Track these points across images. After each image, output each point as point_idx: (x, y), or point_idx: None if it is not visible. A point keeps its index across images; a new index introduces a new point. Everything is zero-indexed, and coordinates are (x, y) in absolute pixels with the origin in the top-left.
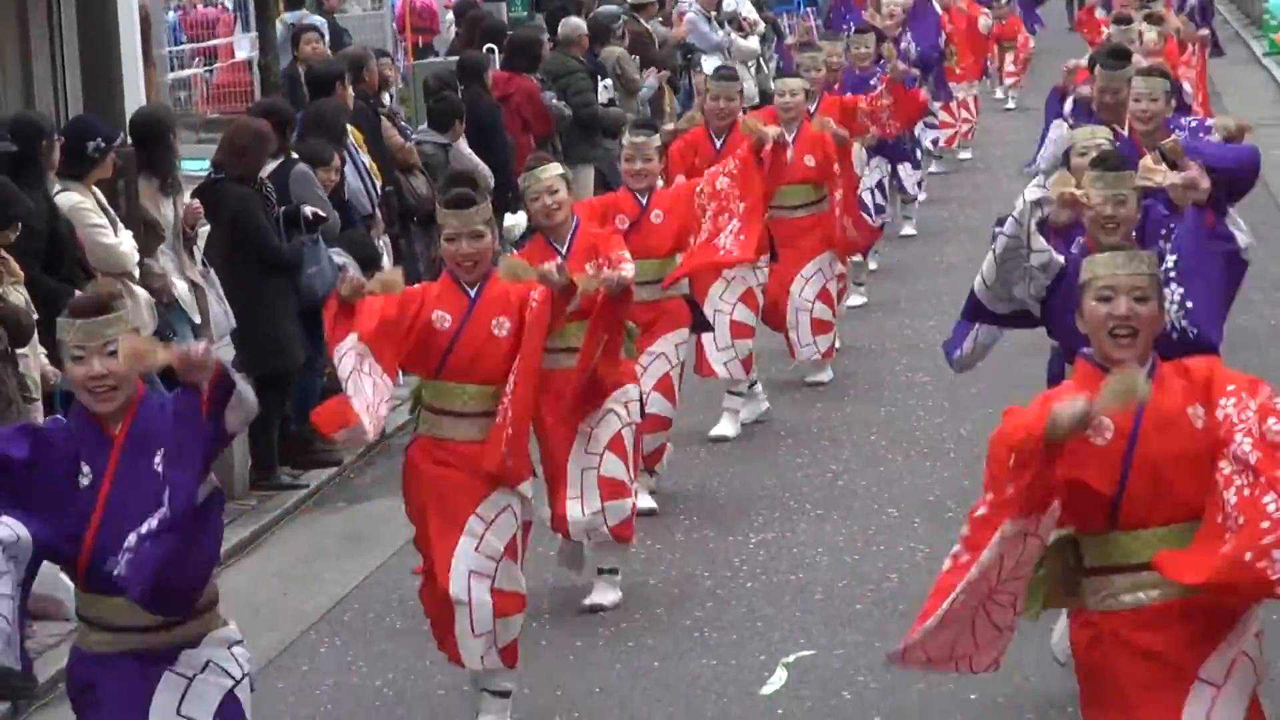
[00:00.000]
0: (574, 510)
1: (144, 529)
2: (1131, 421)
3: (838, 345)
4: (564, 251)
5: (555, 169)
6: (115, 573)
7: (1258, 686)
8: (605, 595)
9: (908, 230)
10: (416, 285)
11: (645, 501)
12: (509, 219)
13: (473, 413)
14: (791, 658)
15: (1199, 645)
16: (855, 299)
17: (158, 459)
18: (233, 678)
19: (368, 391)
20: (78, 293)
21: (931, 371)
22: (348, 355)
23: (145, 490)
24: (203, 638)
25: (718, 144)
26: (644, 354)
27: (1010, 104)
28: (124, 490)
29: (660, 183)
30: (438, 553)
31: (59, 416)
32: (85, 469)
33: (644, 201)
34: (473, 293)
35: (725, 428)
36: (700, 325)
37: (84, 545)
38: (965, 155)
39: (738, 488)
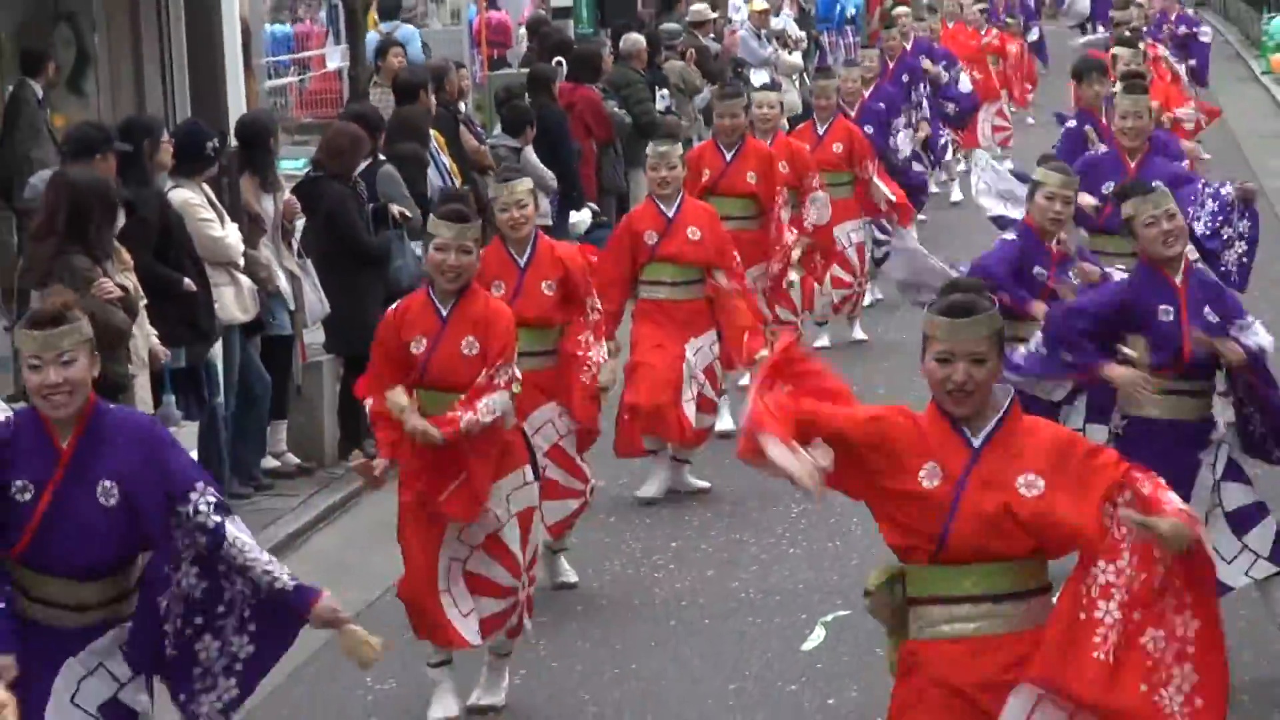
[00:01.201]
0: None
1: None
2: (961, 471)
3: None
4: (523, 262)
5: (526, 184)
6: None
7: None
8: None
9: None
10: (392, 308)
11: (698, 482)
12: (573, 216)
13: None
14: (830, 617)
15: (1003, 687)
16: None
17: (102, 487)
18: (119, 680)
19: None
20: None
21: None
22: None
23: (84, 507)
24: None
25: (727, 156)
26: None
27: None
28: (63, 504)
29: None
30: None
31: (8, 421)
32: (24, 485)
33: (669, 213)
34: (445, 312)
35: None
36: None
37: (16, 548)
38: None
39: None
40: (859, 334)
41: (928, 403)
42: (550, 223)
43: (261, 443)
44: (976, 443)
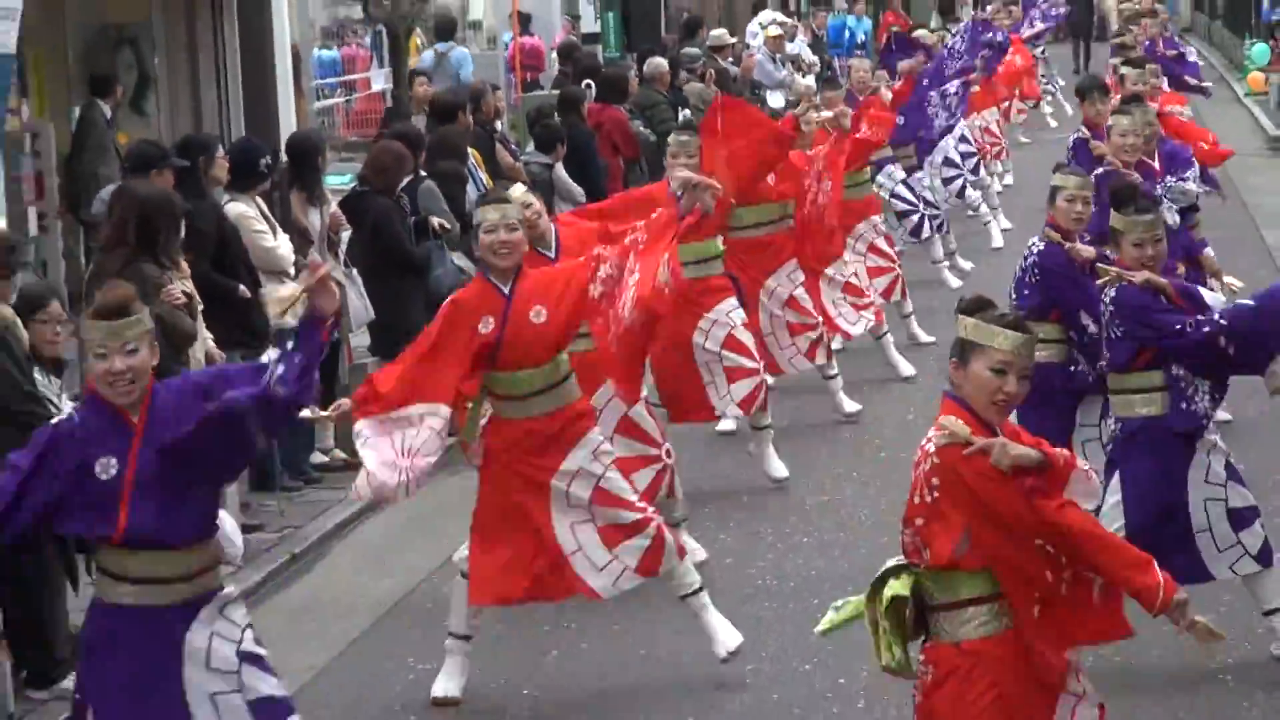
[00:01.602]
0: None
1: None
2: None
3: (835, 345)
4: (553, 255)
5: (520, 188)
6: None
7: None
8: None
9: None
10: (448, 302)
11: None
12: None
13: (533, 392)
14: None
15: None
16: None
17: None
18: (233, 640)
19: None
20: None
21: None
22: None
23: (164, 471)
24: (213, 593)
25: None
26: (702, 319)
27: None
28: (148, 469)
29: None
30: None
31: (71, 415)
32: (108, 461)
33: (507, 292)
34: (506, 289)
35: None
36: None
37: (118, 525)
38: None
39: (794, 460)
40: (921, 336)
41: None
42: None
43: (310, 440)
44: None
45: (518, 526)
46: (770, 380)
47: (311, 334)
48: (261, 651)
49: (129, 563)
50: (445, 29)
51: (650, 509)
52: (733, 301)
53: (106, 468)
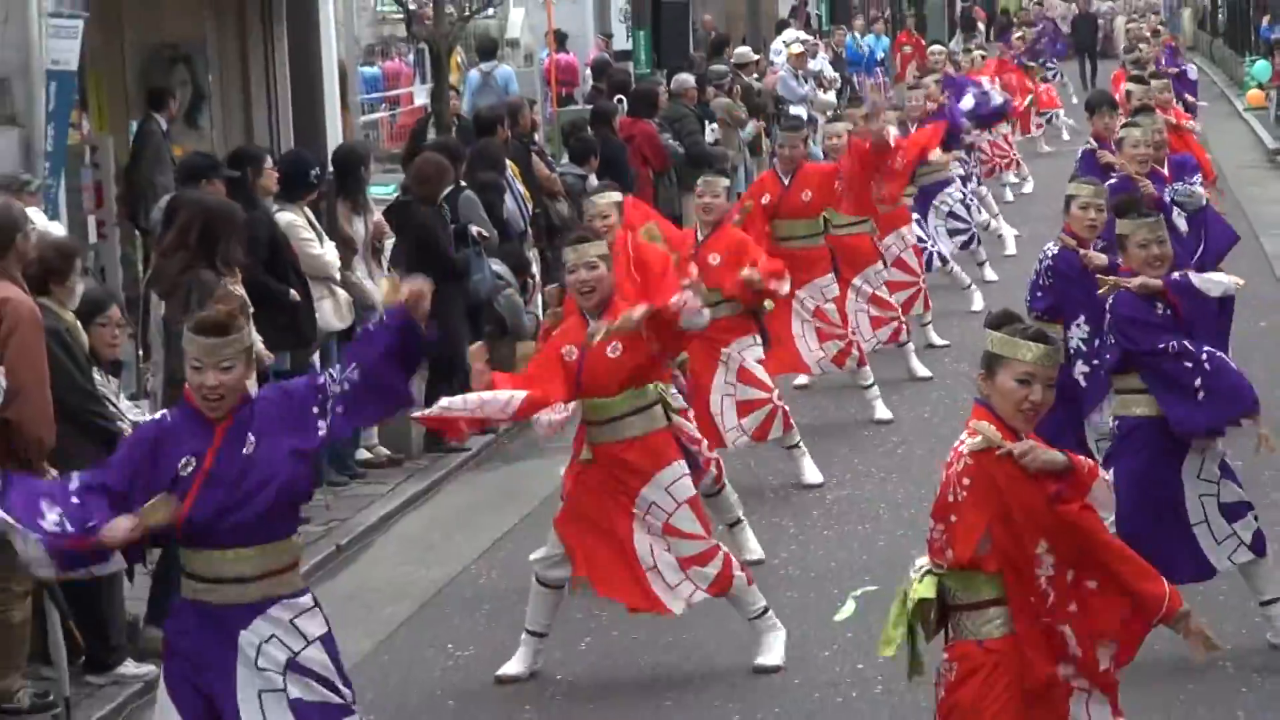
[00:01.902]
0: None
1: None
2: None
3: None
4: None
5: (609, 196)
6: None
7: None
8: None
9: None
10: (550, 322)
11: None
12: None
13: (610, 419)
14: (859, 592)
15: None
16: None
17: (248, 448)
18: (292, 650)
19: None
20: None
21: (972, 363)
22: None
23: (237, 470)
24: (284, 598)
25: (785, 182)
26: (720, 355)
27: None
28: (220, 469)
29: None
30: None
31: (163, 414)
32: (189, 459)
33: (700, 236)
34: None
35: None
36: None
37: (180, 516)
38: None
39: (816, 457)
40: (935, 339)
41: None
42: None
43: (356, 436)
44: None
45: (603, 529)
46: (805, 380)
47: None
48: (321, 670)
49: (196, 561)
50: (488, 49)
51: (715, 541)
52: (750, 339)
53: (185, 465)
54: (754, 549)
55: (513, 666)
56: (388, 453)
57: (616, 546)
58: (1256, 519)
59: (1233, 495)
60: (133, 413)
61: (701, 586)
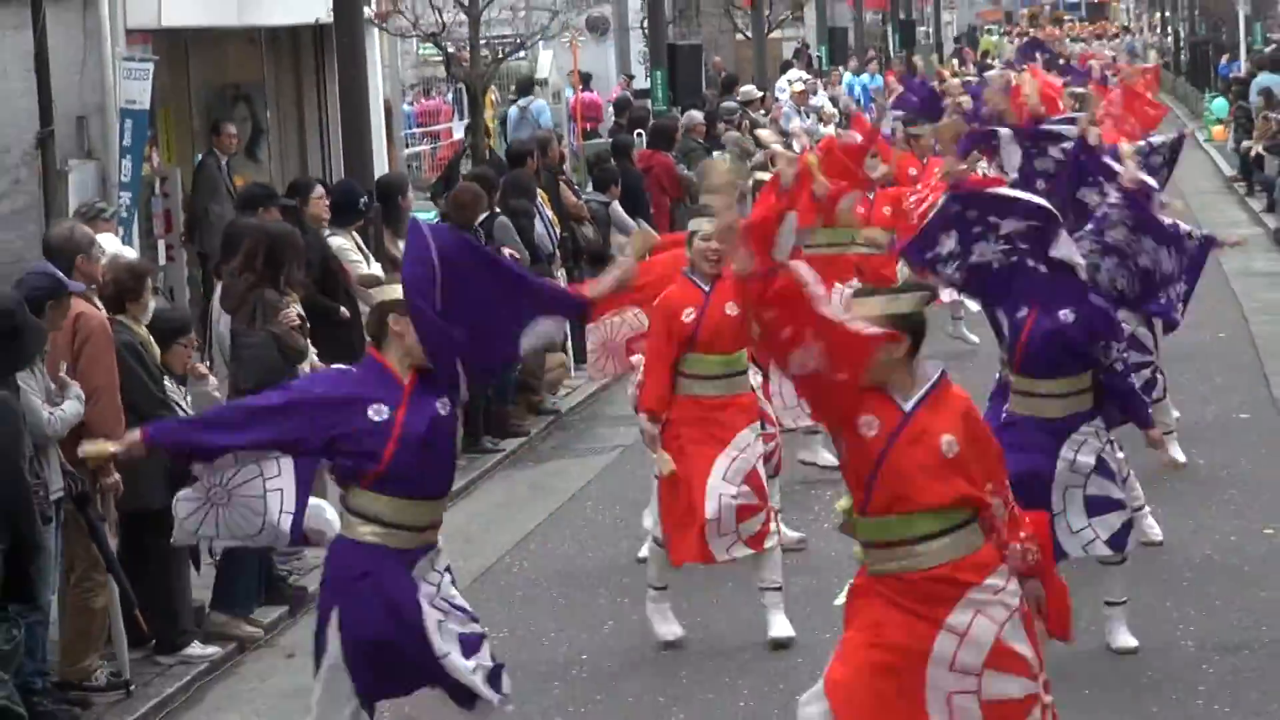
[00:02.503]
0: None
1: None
2: (895, 426)
3: None
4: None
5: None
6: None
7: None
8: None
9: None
10: (658, 301)
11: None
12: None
13: (718, 375)
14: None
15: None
16: None
17: (440, 402)
18: (434, 585)
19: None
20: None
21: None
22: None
23: (426, 420)
24: (434, 547)
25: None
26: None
27: None
28: (412, 422)
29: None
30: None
31: (349, 367)
32: (380, 408)
33: (708, 290)
34: (708, 289)
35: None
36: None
37: (383, 460)
38: None
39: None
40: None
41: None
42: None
43: None
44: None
45: (683, 497)
46: None
47: None
48: (456, 599)
49: (380, 506)
50: (525, 86)
51: (769, 500)
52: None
53: (379, 411)
54: (790, 534)
55: (669, 631)
56: None
57: (688, 500)
58: (1128, 523)
59: (1101, 490)
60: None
61: (743, 539)
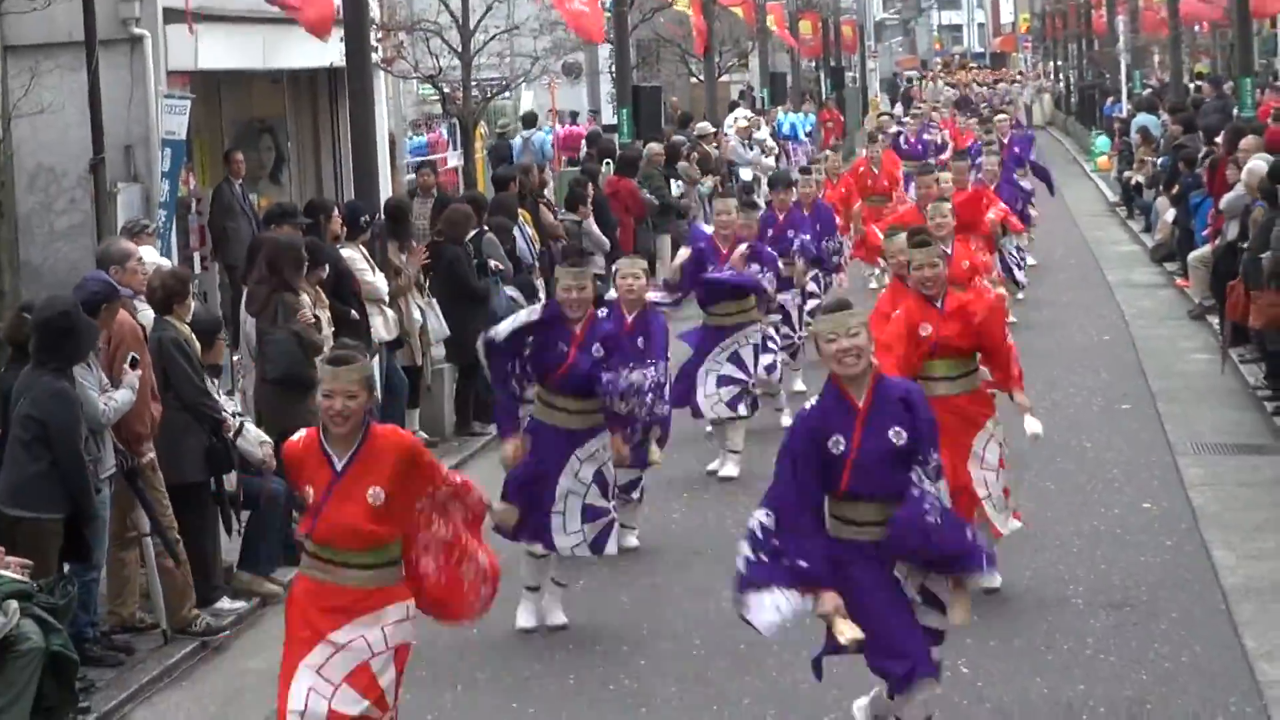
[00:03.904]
0: None
1: None
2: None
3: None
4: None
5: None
6: None
7: None
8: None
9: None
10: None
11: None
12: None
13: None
14: None
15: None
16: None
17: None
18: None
19: None
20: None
21: None
22: None
23: (881, 446)
24: None
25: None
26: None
27: None
28: (868, 447)
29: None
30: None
31: (812, 402)
32: (837, 439)
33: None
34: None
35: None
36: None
37: (841, 484)
38: None
39: (761, 442)
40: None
41: None
42: (601, 271)
43: (401, 424)
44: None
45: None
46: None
47: None
48: None
49: (848, 510)
50: (529, 120)
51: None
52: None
53: (837, 444)
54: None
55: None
56: (425, 435)
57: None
58: (612, 525)
59: (598, 501)
60: (228, 404)
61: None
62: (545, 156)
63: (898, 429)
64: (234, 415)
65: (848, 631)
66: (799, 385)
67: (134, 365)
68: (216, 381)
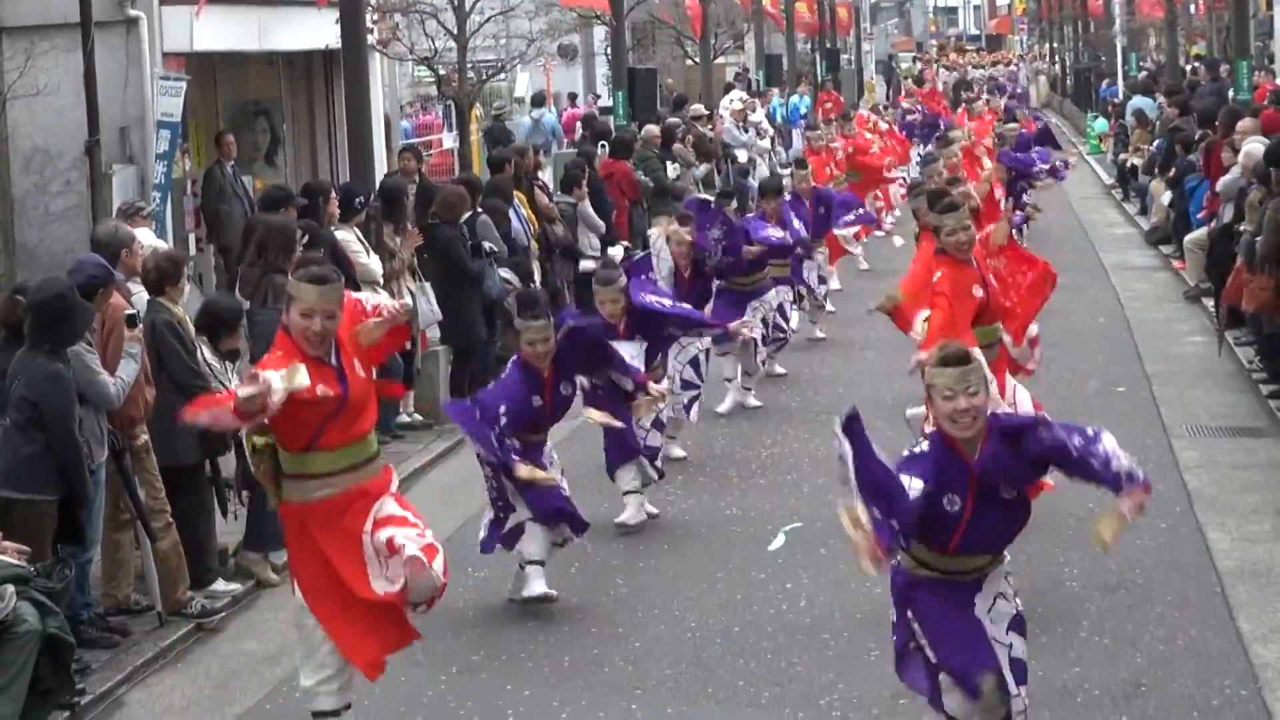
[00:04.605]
0: None
1: None
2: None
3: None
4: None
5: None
6: None
7: None
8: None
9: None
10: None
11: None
12: (610, 250)
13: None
14: (788, 527)
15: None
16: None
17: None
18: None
19: None
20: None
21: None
22: None
23: (996, 508)
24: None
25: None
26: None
27: None
28: (981, 505)
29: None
30: None
31: (924, 451)
32: (952, 498)
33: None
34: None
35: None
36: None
37: (951, 543)
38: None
39: (757, 420)
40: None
41: None
42: (597, 253)
43: (396, 405)
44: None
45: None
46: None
47: None
48: None
49: (951, 563)
50: (538, 100)
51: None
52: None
53: (951, 502)
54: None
55: (540, 588)
56: (420, 417)
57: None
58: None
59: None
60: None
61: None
62: (556, 136)
63: (1008, 483)
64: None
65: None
66: (778, 369)
67: (131, 324)
68: (234, 365)
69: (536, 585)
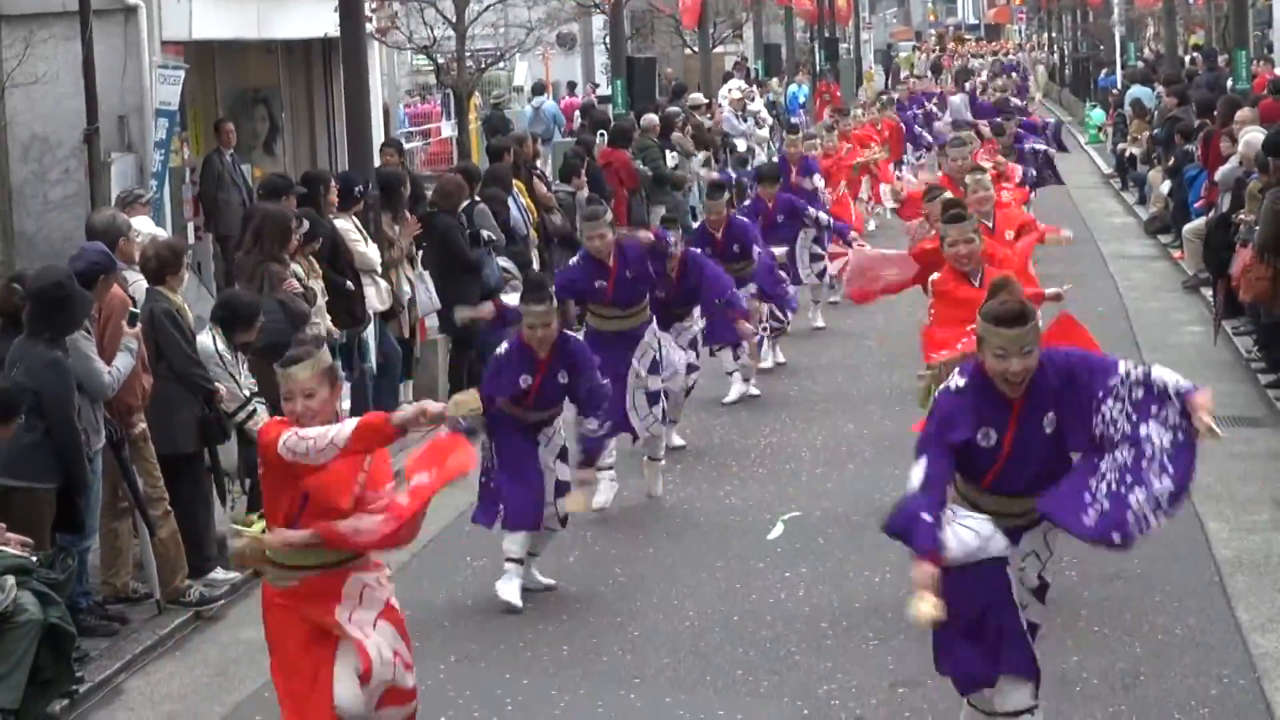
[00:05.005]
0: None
1: None
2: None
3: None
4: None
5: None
6: None
7: None
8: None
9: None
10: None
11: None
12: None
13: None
14: (787, 516)
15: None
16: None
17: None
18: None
19: None
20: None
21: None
22: None
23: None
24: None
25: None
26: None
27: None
28: (1022, 440)
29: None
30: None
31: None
32: (988, 431)
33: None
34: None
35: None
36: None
37: (986, 480)
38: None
39: (757, 411)
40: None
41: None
42: None
43: (395, 393)
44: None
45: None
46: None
47: None
48: None
49: (990, 502)
50: (538, 88)
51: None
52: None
53: (987, 436)
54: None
55: (511, 595)
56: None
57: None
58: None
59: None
60: (250, 385)
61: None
62: (558, 123)
63: (1050, 415)
64: (251, 396)
65: (928, 609)
66: (779, 357)
67: (131, 322)
68: (242, 359)
69: (507, 590)
